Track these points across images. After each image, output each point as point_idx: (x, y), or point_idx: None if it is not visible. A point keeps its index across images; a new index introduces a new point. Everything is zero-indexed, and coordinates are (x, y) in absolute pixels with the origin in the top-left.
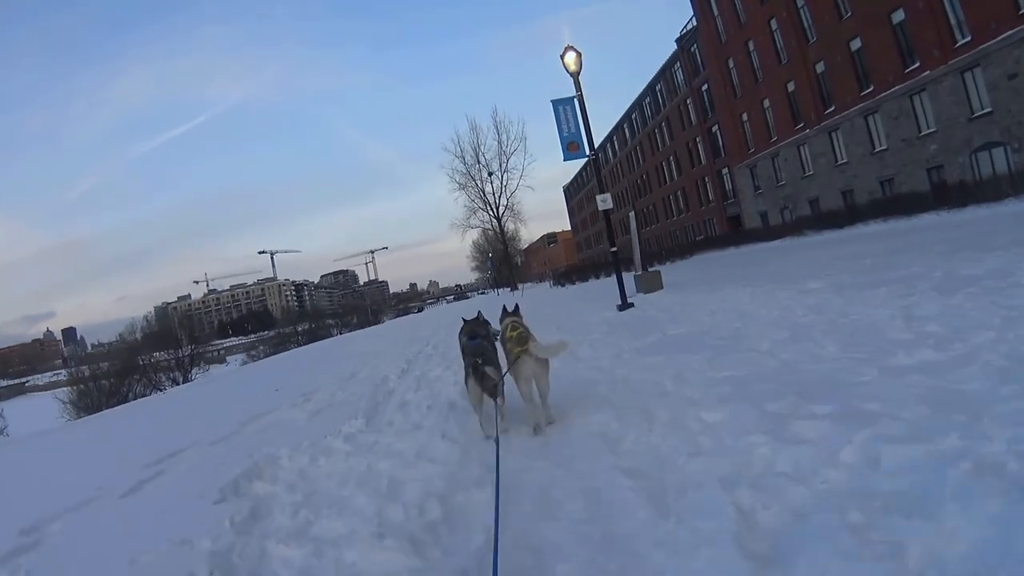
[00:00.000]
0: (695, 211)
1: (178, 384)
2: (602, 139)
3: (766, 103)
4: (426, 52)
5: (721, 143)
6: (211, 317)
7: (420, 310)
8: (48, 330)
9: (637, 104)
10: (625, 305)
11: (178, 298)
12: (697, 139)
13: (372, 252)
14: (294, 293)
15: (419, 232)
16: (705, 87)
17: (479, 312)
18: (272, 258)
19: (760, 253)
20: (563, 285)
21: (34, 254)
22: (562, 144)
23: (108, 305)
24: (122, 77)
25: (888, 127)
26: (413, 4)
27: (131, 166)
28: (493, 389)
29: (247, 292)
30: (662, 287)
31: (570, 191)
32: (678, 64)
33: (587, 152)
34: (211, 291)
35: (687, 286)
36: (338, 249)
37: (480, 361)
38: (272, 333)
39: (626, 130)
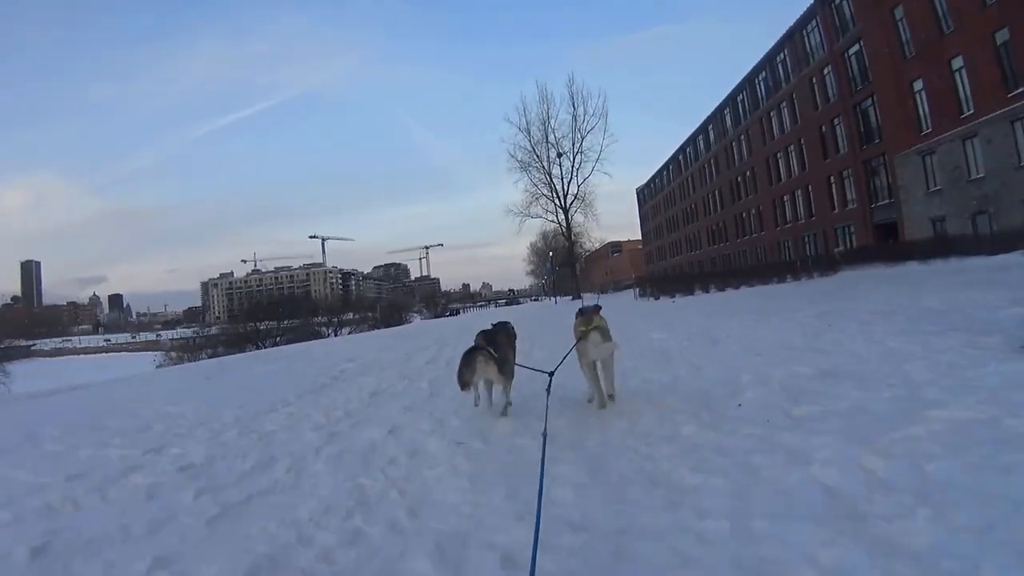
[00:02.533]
0: (824, 216)
1: None
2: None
3: (957, 62)
4: (505, 52)
5: (876, 123)
6: (252, 297)
7: (454, 312)
8: (95, 295)
9: (747, 83)
10: None
11: (220, 275)
12: (836, 120)
13: (426, 248)
14: (340, 281)
15: (476, 233)
16: (854, 49)
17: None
18: (323, 244)
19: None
20: (656, 297)
21: (92, 217)
22: None
23: (158, 275)
24: (197, 54)
25: None
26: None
27: (196, 142)
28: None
29: (291, 276)
30: None
31: (644, 194)
32: (814, 23)
33: None
34: (254, 271)
35: None
36: (392, 243)
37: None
38: (215, 330)
39: (726, 118)
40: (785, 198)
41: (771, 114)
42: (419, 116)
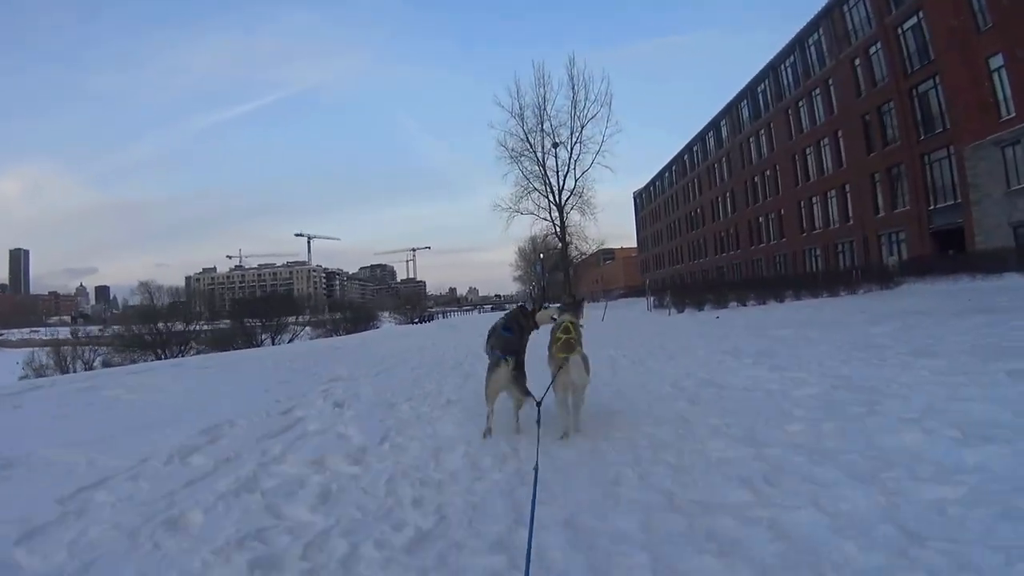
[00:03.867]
0: (865, 221)
1: None
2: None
3: None
4: (508, 54)
5: (940, 109)
6: (233, 293)
7: (425, 319)
8: (82, 285)
9: (769, 71)
10: None
11: (203, 270)
12: (885, 107)
13: (414, 250)
14: (324, 280)
15: (465, 238)
16: (910, 23)
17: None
18: (309, 242)
19: None
20: (679, 309)
21: (85, 208)
22: None
23: (147, 269)
24: (198, 49)
25: None
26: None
27: (194, 136)
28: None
29: (274, 273)
30: None
31: (642, 198)
32: None
33: None
34: (237, 267)
35: None
36: (380, 244)
37: (506, 357)
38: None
39: (742, 112)
40: (815, 200)
41: (799, 104)
42: (416, 117)
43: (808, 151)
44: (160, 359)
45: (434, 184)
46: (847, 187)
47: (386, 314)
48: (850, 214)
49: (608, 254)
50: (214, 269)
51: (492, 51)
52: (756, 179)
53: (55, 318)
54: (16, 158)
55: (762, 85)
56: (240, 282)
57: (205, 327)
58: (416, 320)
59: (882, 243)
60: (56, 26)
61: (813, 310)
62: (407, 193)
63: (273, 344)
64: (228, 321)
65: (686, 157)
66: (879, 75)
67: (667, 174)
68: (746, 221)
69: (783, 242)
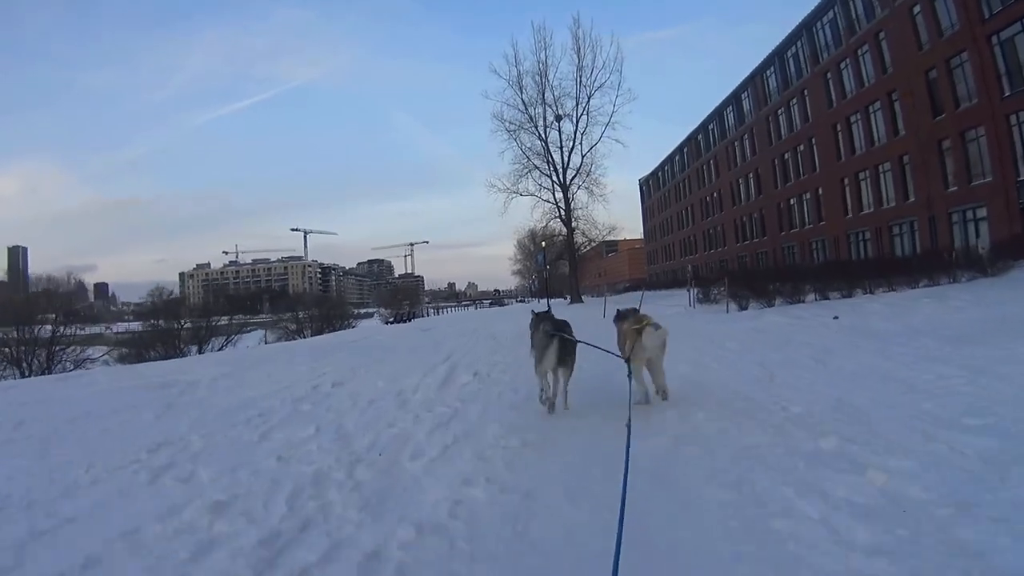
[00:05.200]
0: (931, 198)
1: None
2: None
3: None
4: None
5: None
6: (228, 289)
7: (405, 319)
8: (80, 281)
9: (803, 31)
10: None
11: (196, 266)
12: (956, 60)
13: (411, 245)
14: (319, 276)
15: (464, 232)
16: None
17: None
18: (305, 237)
19: None
20: (742, 305)
21: (84, 205)
22: None
23: (146, 265)
24: (194, 47)
25: None
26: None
27: (191, 133)
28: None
29: (269, 269)
30: None
31: (649, 185)
32: None
33: None
34: (231, 263)
35: None
36: (378, 239)
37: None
38: None
39: (769, 81)
40: (862, 176)
41: (841, 65)
42: (413, 112)
43: (854, 119)
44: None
45: (432, 178)
46: (905, 159)
47: (382, 310)
48: (909, 191)
49: (611, 246)
50: (208, 265)
51: (491, 45)
52: (787, 156)
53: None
54: (13, 156)
55: (793, 48)
56: (234, 278)
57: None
58: (391, 320)
59: (953, 222)
60: (53, 23)
61: (944, 304)
62: (405, 188)
63: (199, 353)
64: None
65: (700, 137)
66: (948, 22)
67: (678, 157)
68: (774, 204)
69: (822, 226)
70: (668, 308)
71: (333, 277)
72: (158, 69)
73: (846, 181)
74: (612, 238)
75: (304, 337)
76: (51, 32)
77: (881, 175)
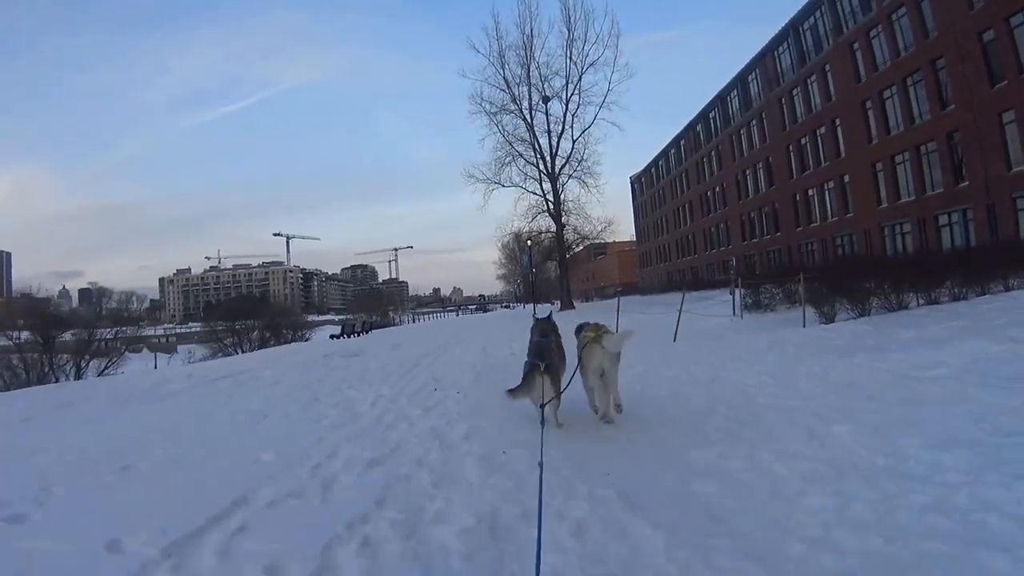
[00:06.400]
0: (992, 181)
1: None
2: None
3: None
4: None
5: None
6: (208, 295)
7: (359, 331)
8: (64, 288)
9: (821, 2)
10: None
11: (176, 271)
12: (1018, 16)
13: (396, 250)
14: (301, 281)
15: (449, 238)
16: None
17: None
18: (288, 242)
19: None
20: (826, 316)
21: (70, 210)
22: None
23: (130, 272)
24: (182, 50)
25: None
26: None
27: (179, 137)
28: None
29: (250, 274)
30: None
31: (641, 183)
32: None
33: None
34: (212, 268)
35: None
36: (362, 244)
37: (540, 364)
38: None
39: (780, 60)
40: (899, 159)
41: (872, 34)
42: (398, 115)
43: (888, 94)
44: None
45: (417, 184)
46: (954, 136)
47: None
48: (964, 172)
49: (600, 249)
50: (188, 270)
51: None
52: (804, 141)
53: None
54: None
55: (811, 19)
56: (215, 283)
57: None
58: (343, 334)
59: (1020, 208)
60: (40, 26)
61: None
62: (390, 193)
63: (77, 378)
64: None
65: (699, 127)
66: None
67: (673, 151)
68: (789, 196)
69: (849, 219)
70: (704, 319)
71: (315, 283)
72: (145, 74)
73: (879, 166)
74: (608, 235)
75: (239, 352)
76: (37, 33)
77: (924, 157)
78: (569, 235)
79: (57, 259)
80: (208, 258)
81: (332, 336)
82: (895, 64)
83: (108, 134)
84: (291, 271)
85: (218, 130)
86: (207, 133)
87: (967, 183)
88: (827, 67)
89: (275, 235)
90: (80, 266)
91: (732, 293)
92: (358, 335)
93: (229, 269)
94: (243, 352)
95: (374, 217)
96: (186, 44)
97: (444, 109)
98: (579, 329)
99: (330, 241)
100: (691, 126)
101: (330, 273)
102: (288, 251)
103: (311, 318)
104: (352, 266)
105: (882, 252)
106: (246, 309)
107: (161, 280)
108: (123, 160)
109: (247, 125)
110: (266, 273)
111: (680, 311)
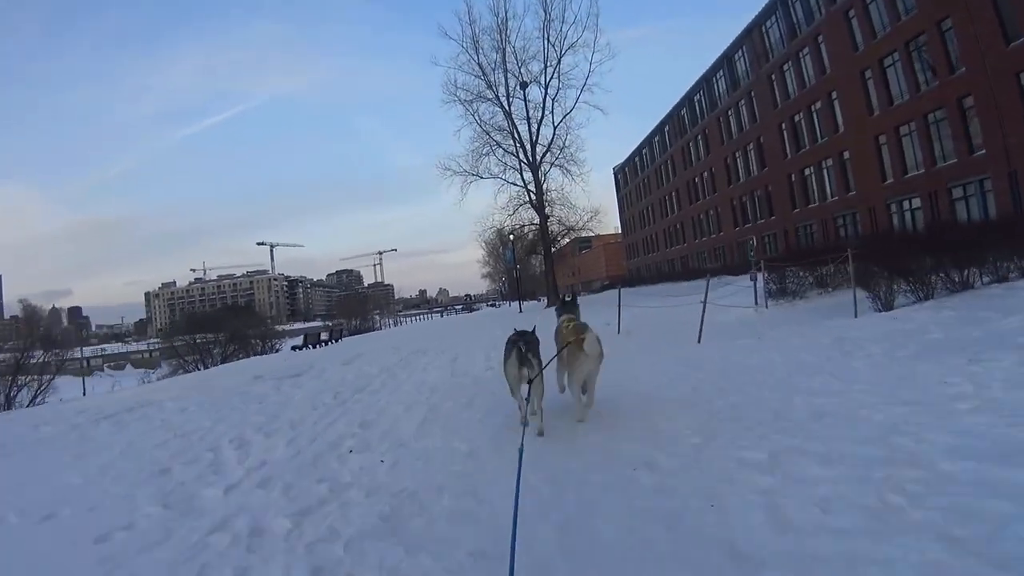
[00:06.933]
0: (1009, 150)
1: None
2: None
3: None
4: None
5: None
6: (193, 307)
7: (327, 340)
8: (54, 307)
9: None
10: None
11: (162, 285)
12: None
13: (380, 253)
14: (286, 289)
15: (434, 240)
16: None
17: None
18: (271, 251)
19: None
20: (882, 304)
21: (59, 229)
22: None
23: (118, 288)
24: (166, 66)
25: None
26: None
27: (163, 151)
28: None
29: (234, 284)
30: None
31: (625, 173)
32: None
33: None
34: (196, 280)
35: None
36: (347, 249)
37: (523, 348)
38: None
39: (769, 34)
40: (904, 130)
41: (868, 0)
42: (382, 122)
43: (888, 62)
44: None
45: (401, 188)
46: (966, 102)
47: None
48: (974, 141)
49: (584, 242)
50: (173, 283)
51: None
52: (798, 118)
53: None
54: None
55: None
56: (200, 295)
57: None
58: (306, 344)
59: None
60: (24, 45)
61: None
62: (374, 197)
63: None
64: None
65: (684, 112)
66: None
67: (657, 138)
68: (784, 177)
69: (851, 197)
70: (722, 310)
71: (300, 289)
72: (128, 89)
73: (882, 139)
74: (595, 224)
75: (201, 368)
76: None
77: (932, 126)
78: (554, 227)
79: (46, 278)
80: (193, 270)
81: (294, 348)
82: (896, 29)
83: (93, 152)
84: (275, 279)
85: (202, 143)
86: (191, 146)
87: (984, 152)
88: (820, 38)
89: (259, 244)
90: (68, 284)
91: (754, 279)
92: (324, 344)
93: (214, 280)
94: (205, 368)
95: (358, 223)
96: (169, 60)
97: (426, 114)
98: (558, 312)
99: (315, 248)
100: (675, 111)
101: (315, 279)
102: (272, 259)
103: (296, 326)
104: (337, 271)
105: (890, 230)
106: (208, 321)
107: (147, 294)
108: (108, 177)
109: (231, 137)
110: (251, 282)
111: (705, 303)
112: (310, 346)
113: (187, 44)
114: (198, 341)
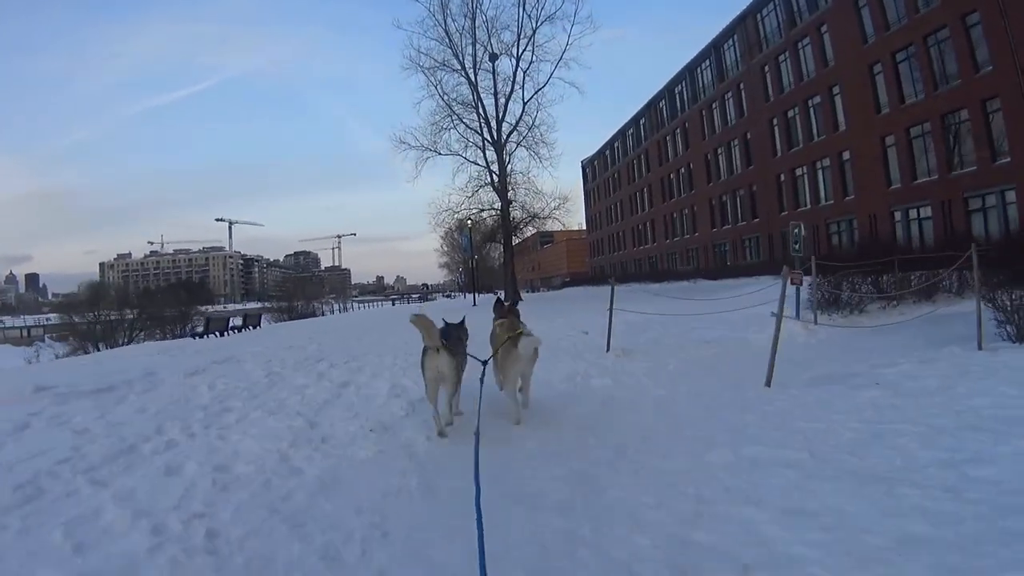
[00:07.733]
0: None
1: None
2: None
3: None
4: None
5: None
6: (148, 281)
7: (239, 327)
8: (11, 273)
9: None
10: None
11: (117, 256)
12: None
13: (339, 237)
14: (242, 268)
15: (394, 226)
16: None
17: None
18: (230, 228)
19: None
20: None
21: (20, 195)
22: None
23: (77, 257)
24: (130, 36)
25: None
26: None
27: (126, 123)
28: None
29: (190, 259)
30: None
31: (594, 166)
32: None
33: None
34: (152, 253)
35: None
36: (305, 231)
37: (444, 340)
38: None
39: (763, 23)
40: (916, 132)
41: None
42: (345, 105)
43: (901, 56)
44: None
45: (362, 173)
46: (990, 104)
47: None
48: (1000, 146)
49: (547, 237)
50: (129, 255)
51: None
52: (791, 114)
53: None
54: None
55: None
56: (155, 268)
57: None
58: (208, 332)
59: None
60: None
61: None
62: (336, 181)
63: None
64: None
65: (663, 103)
66: None
67: (632, 130)
68: (772, 177)
69: (849, 202)
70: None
71: (256, 269)
72: (93, 58)
73: (890, 140)
74: (563, 214)
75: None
76: None
77: (950, 129)
78: (516, 212)
79: (4, 243)
80: (151, 243)
81: (194, 335)
82: (914, 21)
83: (57, 119)
84: (231, 257)
85: (166, 116)
86: (154, 120)
87: (1008, 159)
88: (823, 28)
89: (217, 220)
90: (28, 250)
91: (797, 285)
92: (233, 332)
93: (170, 254)
94: (107, 349)
95: (319, 205)
96: (136, 31)
97: (391, 99)
98: (496, 306)
99: (275, 228)
100: (653, 103)
101: (272, 260)
102: (231, 237)
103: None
104: (295, 253)
105: (892, 240)
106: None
107: (102, 264)
108: (71, 146)
109: (194, 112)
110: (207, 258)
111: (780, 316)
112: (215, 333)
113: (155, 14)
114: (102, 319)
